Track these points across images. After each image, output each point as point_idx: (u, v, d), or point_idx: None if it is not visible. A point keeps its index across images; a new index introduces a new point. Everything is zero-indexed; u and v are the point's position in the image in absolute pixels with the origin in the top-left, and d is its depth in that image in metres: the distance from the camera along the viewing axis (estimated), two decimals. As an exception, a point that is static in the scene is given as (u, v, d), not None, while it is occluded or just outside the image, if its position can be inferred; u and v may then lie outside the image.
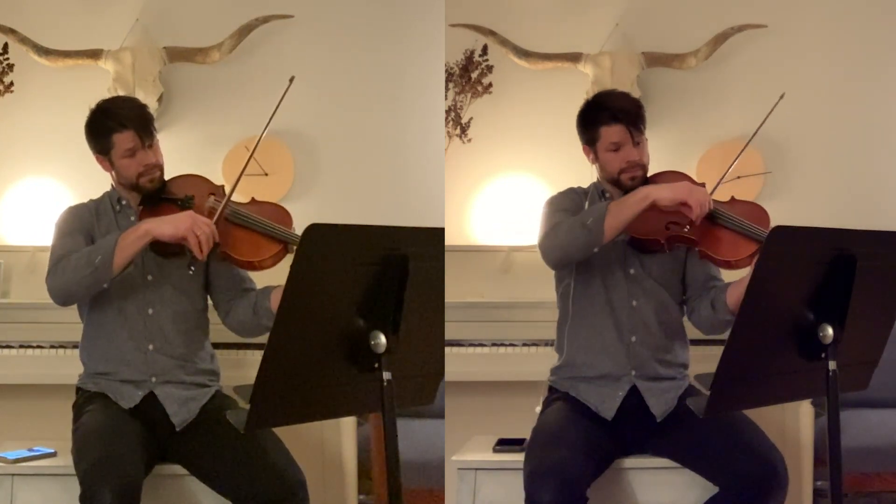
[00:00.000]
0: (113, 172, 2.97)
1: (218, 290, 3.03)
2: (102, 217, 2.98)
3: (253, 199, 3.04)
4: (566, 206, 2.97)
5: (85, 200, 3.05)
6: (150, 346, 2.89)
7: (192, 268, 2.84)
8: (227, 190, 2.97)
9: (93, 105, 2.99)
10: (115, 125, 2.90)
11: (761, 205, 2.99)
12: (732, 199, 2.98)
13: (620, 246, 2.91)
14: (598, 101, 3.00)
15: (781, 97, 3.06)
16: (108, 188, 3.04)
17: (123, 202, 2.99)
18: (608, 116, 2.91)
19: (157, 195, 2.94)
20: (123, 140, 2.90)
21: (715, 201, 2.90)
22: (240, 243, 2.89)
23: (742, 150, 3.03)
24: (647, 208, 2.79)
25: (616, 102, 2.96)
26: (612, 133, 2.91)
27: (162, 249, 2.85)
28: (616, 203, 2.81)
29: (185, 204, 2.92)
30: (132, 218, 2.95)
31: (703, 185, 2.94)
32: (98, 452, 2.65)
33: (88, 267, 2.78)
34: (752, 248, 2.83)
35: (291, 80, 3.01)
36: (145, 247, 2.81)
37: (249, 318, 2.95)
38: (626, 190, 2.91)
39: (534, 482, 2.60)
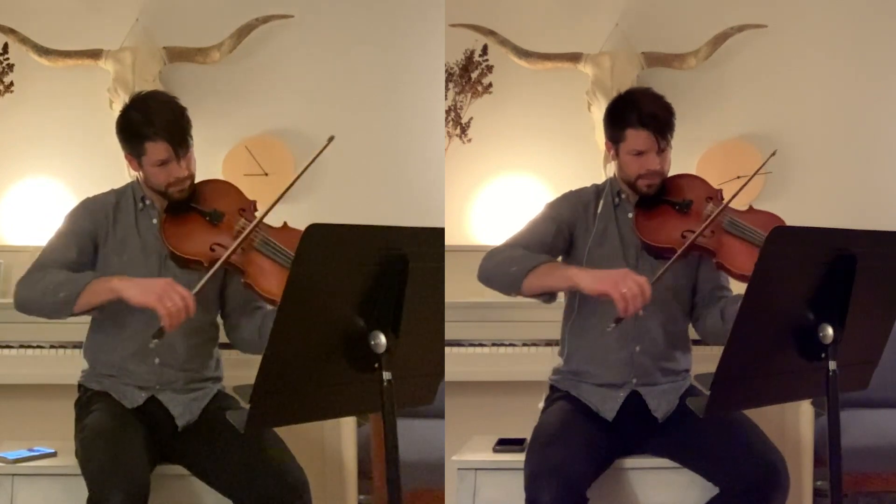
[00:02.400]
0: (140, 173, 2.85)
1: (230, 303, 2.94)
2: (121, 213, 2.87)
3: (285, 224, 2.84)
4: (560, 213, 2.92)
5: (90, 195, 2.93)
6: (157, 360, 2.83)
7: (155, 340, 2.61)
8: (259, 209, 2.82)
9: (127, 99, 2.83)
10: (150, 133, 2.74)
11: (769, 209, 2.92)
12: (751, 208, 2.89)
13: (633, 251, 2.86)
14: (630, 100, 2.88)
15: (773, 154, 3.03)
16: (108, 188, 2.95)
17: (147, 202, 2.89)
18: (637, 120, 2.80)
19: (186, 203, 2.82)
20: (156, 151, 2.75)
21: (733, 210, 2.83)
22: (266, 276, 2.73)
23: (755, 173, 2.92)
24: (567, 289, 2.78)
25: (648, 106, 2.82)
26: (638, 138, 2.81)
27: (180, 260, 2.75)
28: (546, 268, 2.76)
29: (213, 219, 2.79)
30: (154, 220, 2.86)
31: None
32: (106, 454, 2.62)
33: (52, 296, 2.70)
34: None
35: (330, 139, 2.70)
36: (110, 301, 2.68)
37: (255, 339, 2.86)
38: (641, 195, 2.88)
39: (534, 482, 2.59)
